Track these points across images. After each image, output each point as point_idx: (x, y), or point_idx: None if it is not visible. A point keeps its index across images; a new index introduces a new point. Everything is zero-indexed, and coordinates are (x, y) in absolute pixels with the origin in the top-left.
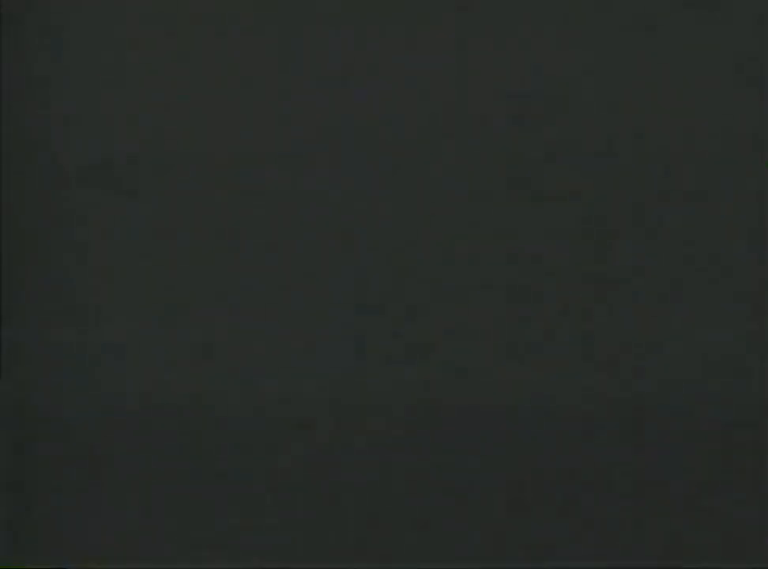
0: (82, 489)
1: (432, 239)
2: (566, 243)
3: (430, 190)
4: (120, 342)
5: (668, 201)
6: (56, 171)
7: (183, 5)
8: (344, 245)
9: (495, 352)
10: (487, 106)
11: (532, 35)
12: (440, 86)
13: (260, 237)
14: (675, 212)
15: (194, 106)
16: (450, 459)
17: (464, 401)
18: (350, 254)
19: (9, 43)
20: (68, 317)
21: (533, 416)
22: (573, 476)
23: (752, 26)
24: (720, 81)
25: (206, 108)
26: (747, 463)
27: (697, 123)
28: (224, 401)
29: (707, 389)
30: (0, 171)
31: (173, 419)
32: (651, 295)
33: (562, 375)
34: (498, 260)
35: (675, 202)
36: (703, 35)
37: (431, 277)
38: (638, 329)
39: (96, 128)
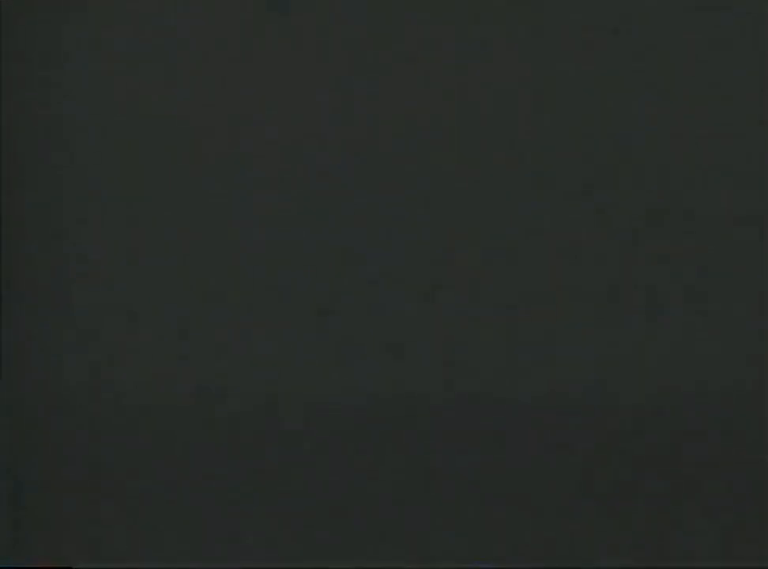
0: (83, 489)
1: (436, 238)
2: (566, 244)
3: (426, 190)
4: (122, 341)
5: (668, 198)
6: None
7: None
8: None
9: (498, 347)
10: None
11: (535, 39)
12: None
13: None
14: (676, 212)
15: (197, 101)
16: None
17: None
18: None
19: (9, 42)
20: (68, 315)
21: (531, 410)
22: (572, 474)
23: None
24: (719, 81)
25: (209, 109)
26: (748, 461)
27: (698, 125)
28: (224, 398)
29: (709, 386)
30: (0, 168)
31: (174, 418)
32: (654, 295)
33: (565, 372)
34: (497, 257)
35: (675, 201)
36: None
37: (440, 277)
38: (640, 328)
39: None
